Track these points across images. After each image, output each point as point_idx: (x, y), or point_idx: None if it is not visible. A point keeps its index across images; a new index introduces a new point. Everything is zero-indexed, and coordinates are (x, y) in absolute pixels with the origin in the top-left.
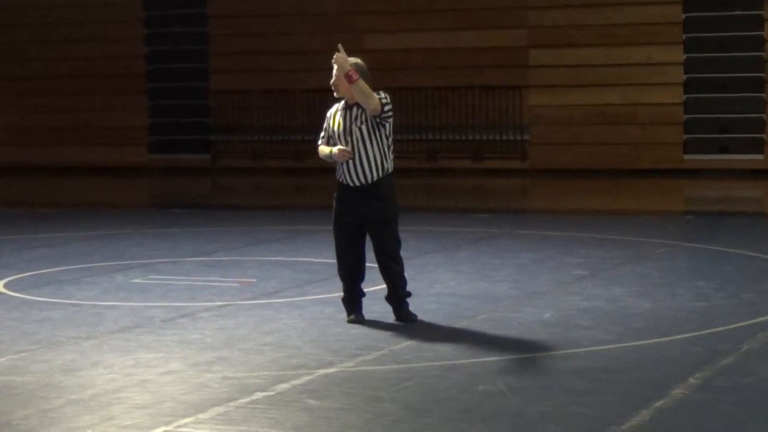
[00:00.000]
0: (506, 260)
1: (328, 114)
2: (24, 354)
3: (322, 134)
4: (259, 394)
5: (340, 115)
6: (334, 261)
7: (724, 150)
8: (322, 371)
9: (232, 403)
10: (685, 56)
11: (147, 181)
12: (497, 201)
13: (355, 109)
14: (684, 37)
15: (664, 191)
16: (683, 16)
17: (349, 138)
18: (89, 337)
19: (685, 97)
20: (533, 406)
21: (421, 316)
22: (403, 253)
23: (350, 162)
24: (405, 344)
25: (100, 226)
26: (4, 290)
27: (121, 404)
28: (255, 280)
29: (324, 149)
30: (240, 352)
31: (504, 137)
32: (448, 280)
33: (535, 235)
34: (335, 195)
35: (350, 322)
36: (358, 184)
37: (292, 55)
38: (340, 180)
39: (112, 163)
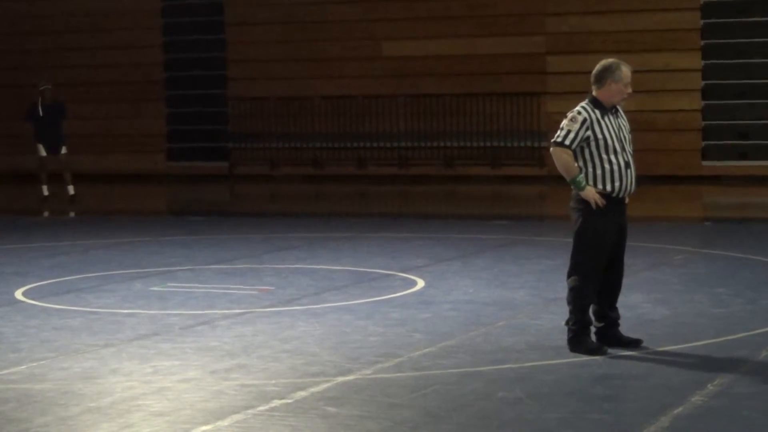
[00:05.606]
0: (525, 267)
1: (583, 118)
2: (43, 362)
3: (572, 136)
4: (278, 402)
5: (611, 121)
6: (353, 268)
7: (743, 156)
8: (340, 378)
9: (250, 411)
10: (703, 63)
11: (165, 188)
12: (515, 208)
13: (622, 119)
14: (702, 43)
15: (682, 198)
16: (701, 22)
17: (624, 144)
18: (108, 345)
19: (703, 103)
20: (552, 413)
21: (440, 322)
22: (421, 261)
23: (628, 172)
24: (423, 351)
25: (119, 234)
26: (23, 298)
27: (140, 412)
28: (273, 287)
29: (573, 166)
30: (258, 359)
31: (522, 144)
32: (466, 286)
33: (554, 241)
34: (585, 210)
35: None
36: (627, 193)
37: (310, 62)
38: (614, 192)
39: (131, 170)
